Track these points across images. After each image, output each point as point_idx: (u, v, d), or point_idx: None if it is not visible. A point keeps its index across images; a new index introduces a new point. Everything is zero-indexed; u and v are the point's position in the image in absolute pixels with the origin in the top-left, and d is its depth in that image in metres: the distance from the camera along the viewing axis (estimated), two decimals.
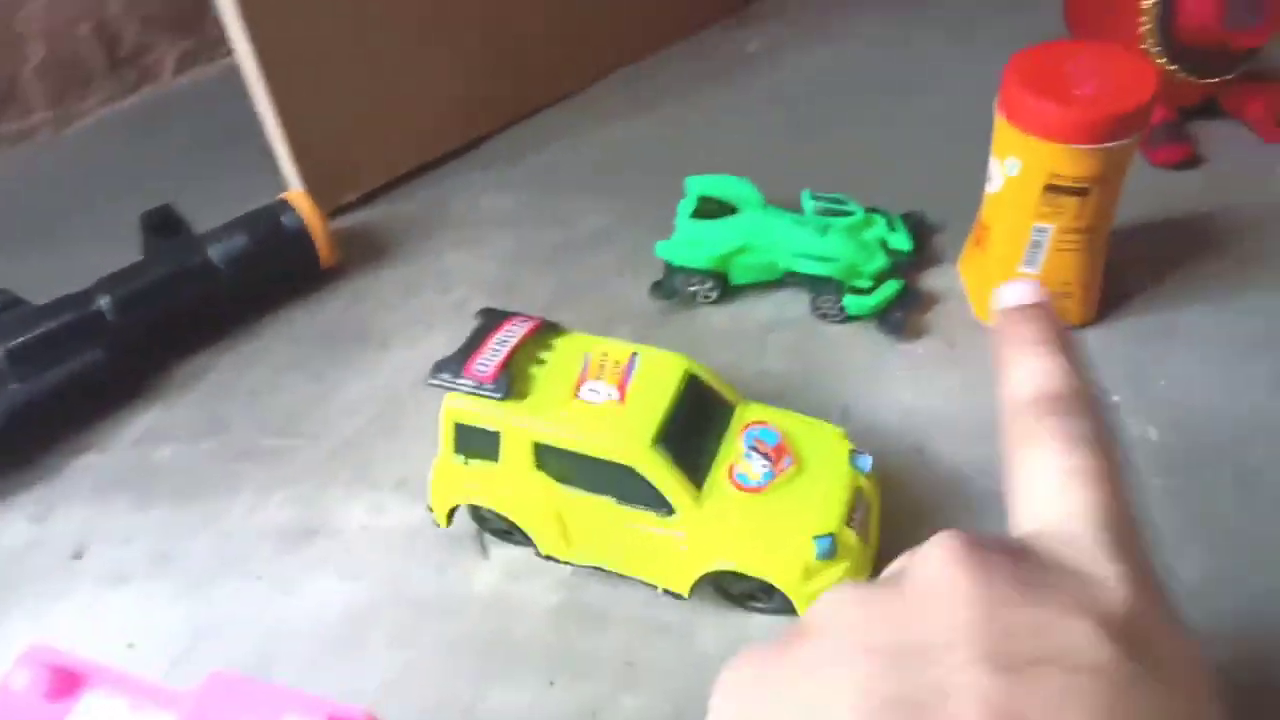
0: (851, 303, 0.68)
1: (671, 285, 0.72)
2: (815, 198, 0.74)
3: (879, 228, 0.72)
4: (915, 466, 0.60)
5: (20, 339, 0.68)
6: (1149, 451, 0.60)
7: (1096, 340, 0.67)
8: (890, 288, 0.69)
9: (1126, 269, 0.70)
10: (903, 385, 0.66)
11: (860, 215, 0.72)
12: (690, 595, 0.53)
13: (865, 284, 0.69)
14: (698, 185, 0.74)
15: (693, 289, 0.72)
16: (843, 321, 0.70)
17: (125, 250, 0.75)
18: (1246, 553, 0.54)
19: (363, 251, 0.81)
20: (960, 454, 0.61)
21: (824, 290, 0.69)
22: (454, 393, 0.52)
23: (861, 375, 0.67)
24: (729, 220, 0.71)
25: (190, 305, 0.74)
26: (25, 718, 0.42)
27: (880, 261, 0.70)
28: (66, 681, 0.40)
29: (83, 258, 0.74)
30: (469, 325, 0.56)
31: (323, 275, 0.79)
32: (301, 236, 0.76)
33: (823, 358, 0.68)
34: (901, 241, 0.72)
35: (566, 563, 0.56)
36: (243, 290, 0.75)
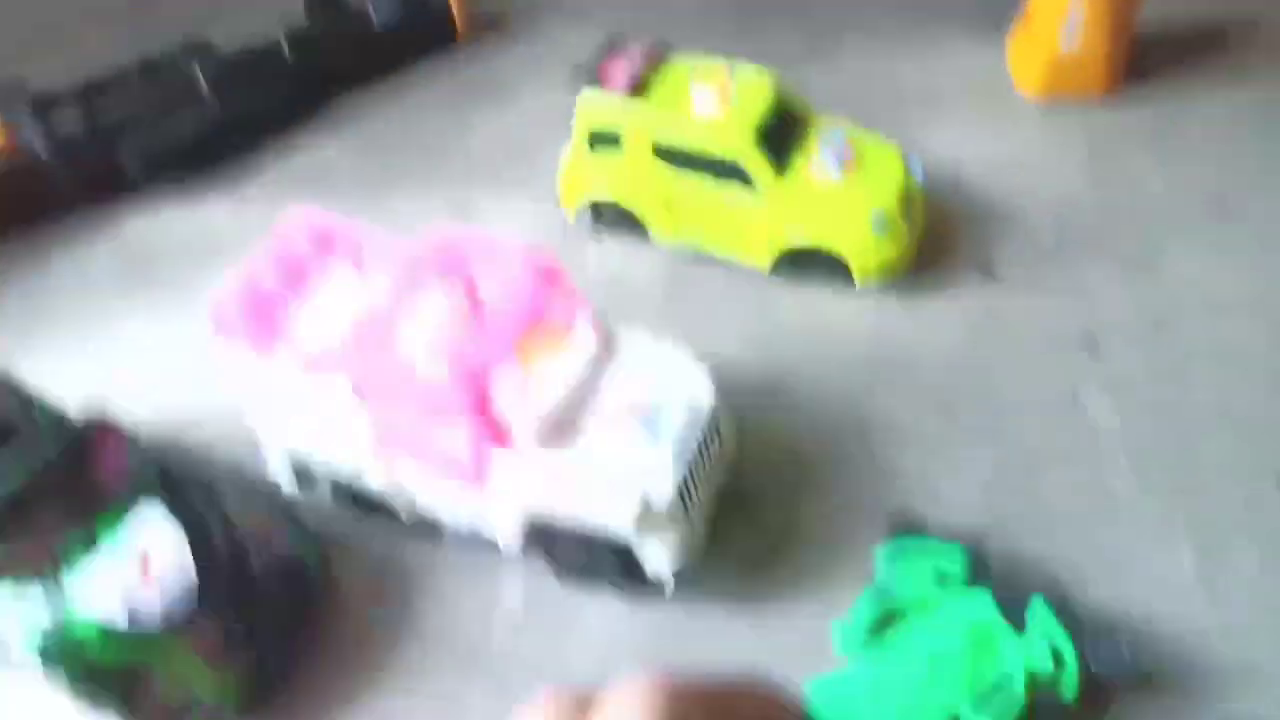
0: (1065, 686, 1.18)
1: None
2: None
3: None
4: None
5: (216, 75, 1.37)
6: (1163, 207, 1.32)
7: (1117, 109, 1.28)
8: (1071, 665, 1.19)
9: (1151, 48, 1.35)
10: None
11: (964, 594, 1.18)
12: (770, 272, 1.28)
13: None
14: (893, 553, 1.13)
15: None
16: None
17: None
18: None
19: (488, 30, 1.41)
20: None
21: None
22: (589, 92, 1.30)
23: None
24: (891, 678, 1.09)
25: (350, 57, 1.54)
26: (299, 258, 1.30)
27: (1040, 662, 1.19)
28: (324, 239, 1.12)
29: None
30: (583, 86, 1.17)
31: (456, 46, 1.50)
32: (443, 10, 1.53)
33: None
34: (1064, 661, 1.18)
35: (671, 242, 1.27)
36: (390, 51, 1.55)
